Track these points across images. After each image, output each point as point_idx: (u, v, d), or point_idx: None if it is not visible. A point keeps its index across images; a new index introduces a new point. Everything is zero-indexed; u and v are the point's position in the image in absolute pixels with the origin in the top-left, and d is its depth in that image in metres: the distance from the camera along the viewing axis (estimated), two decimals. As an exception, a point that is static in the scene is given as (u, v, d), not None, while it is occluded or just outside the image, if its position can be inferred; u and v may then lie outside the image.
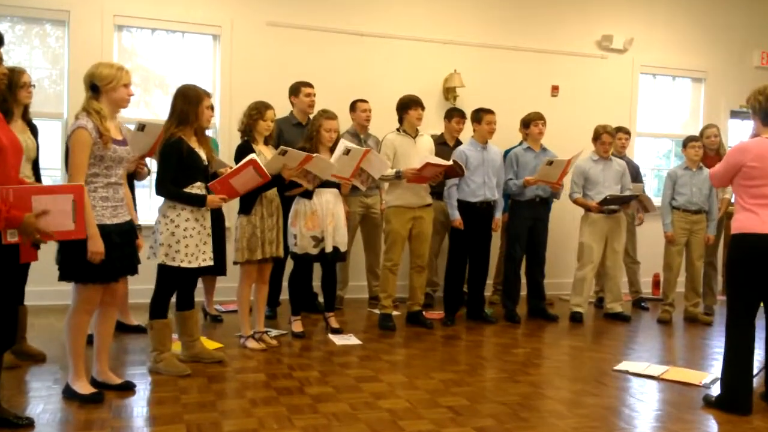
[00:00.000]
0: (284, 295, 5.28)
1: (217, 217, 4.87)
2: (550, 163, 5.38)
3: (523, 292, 5.91)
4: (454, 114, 6.00)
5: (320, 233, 4.66)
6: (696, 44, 7.57)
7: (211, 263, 3.94)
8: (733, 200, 5.99)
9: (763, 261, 3.43)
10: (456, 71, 6.54)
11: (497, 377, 4.09)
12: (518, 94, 6.81)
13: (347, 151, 4.53)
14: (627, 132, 6.39)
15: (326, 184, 4.66)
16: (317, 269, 5.27)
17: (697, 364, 4.55)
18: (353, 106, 5.79)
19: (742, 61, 7.72)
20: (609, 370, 4.31)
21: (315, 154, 4.41)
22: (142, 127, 4.16)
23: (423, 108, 5.16)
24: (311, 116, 5.07)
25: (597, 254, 5.78)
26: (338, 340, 4.79)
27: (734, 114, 7.77)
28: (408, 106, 5.13)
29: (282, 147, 4.28)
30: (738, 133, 7.82)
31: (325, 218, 4.65)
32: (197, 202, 3.83)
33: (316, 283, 5.49)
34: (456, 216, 5.32)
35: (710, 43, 7.60)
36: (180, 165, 3.76)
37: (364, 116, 5.71)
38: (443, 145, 5.87)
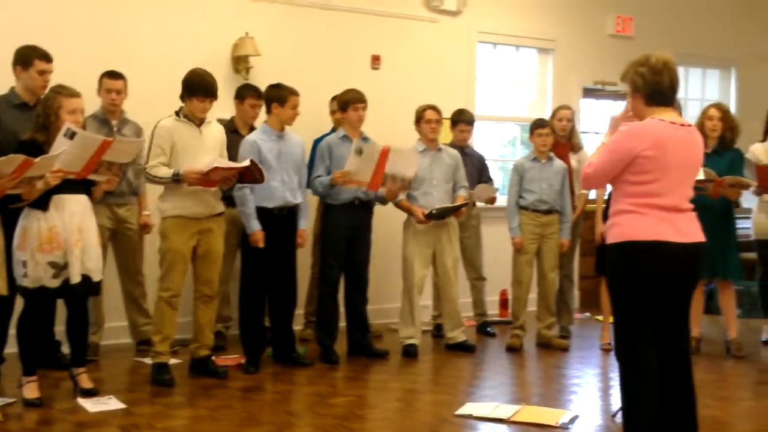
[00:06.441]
0: (11, 348, 4.98)
1: None
2: (360, 152, 5.43)
3: (343, 323, 6.02)
4: (247, 93, 5.99)
5: (62, 257, 4.48)
6: (542, 6, 8.12)
7: None
8: (590, 196, 6.61)
9: (653, 273, 3.47)
10: (248, 35, 6.52)
11: (311, 438, 4.13)
12: (330, 65, 6.92)
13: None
14: (469, 121, 6.59)
15: (72, 188, 4.50)
16: (60, 308, 5.02)
17: (554, 399, 4.89)
18: (99, 83, 5.61)
19: (593, 29, 8.42)
20: (450, 417, 4.51)
21: (37, 159, 4.15)
22: None
23: (214, 97, 5.13)
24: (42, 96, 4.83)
25: (421, 271, 6.01)
26: (92, 405, 4.62)
27: (588, 92, 8.49)
28: (192, 91, 5.06)
29: None
30: (591, 115, 8.56)
31: (69, 236, 4.48)
32: None
33: (59, 328, 5.22)
34: (255, 227, 5.31)
35: (558, 6, 8.20)
36: None
37: (109, 97, 5.56)
38: (234, 134, 5.83)
